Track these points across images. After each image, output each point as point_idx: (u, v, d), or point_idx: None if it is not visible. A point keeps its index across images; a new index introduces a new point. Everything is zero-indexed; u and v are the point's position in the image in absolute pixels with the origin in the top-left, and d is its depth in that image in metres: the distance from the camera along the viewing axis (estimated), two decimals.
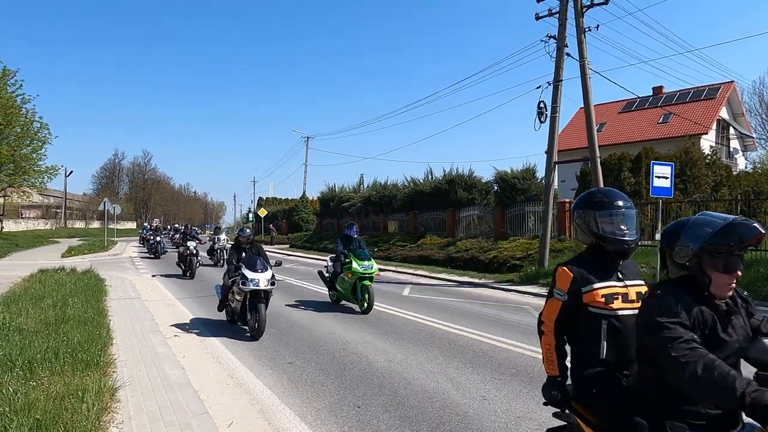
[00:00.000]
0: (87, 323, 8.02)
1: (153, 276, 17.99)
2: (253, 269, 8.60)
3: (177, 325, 9.54)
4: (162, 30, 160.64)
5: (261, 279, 8.48)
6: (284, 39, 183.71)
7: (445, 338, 8.60)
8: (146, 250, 31.60)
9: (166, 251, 29.50)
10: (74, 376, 5.37)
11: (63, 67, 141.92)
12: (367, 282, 10.83)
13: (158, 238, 28.59)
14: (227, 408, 5.31)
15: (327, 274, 12.28)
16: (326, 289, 12.59)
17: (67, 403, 4.52)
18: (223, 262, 22.10)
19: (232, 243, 9.56)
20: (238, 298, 8.80)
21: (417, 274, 19.42)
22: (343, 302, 11.94)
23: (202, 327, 9.57)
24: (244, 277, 8.49)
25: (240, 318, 9.03)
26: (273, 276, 8.77)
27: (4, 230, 44.42)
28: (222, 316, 10.76)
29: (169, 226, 46.78)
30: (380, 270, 21.93)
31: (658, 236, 12.86)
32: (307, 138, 53.00)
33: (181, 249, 18.61)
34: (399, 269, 21.12)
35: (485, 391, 5.85)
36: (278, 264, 9.98)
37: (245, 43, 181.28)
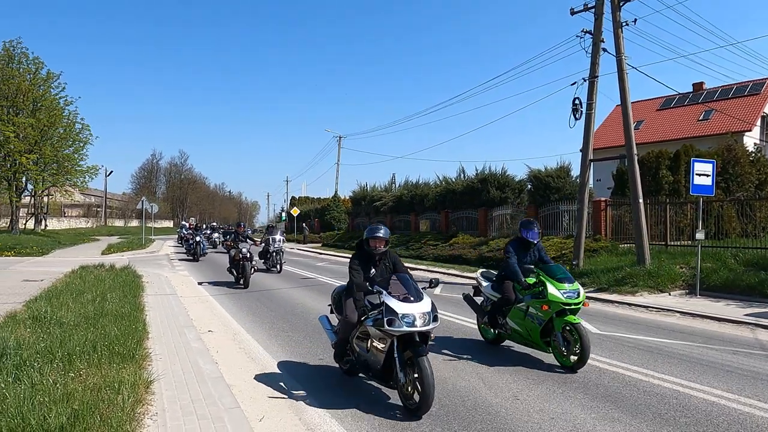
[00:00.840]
0: (124, 318, 8.20)
1: (200, 283, 15.88)
2: (401, 297, 5.28)
3: (211, 321, 9.70)
4: (199, 31, 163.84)
5: (416, 313, 5.17)
6: (320, 41, 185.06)
7: (477, 336, 8.50)
8: (185, 251, 28.78)
9: (206, 253, 27.03)
10: (111, 368, 5.49)
11: (102, 68, 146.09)
12: (573, 318, 6.64)
13: (197, 238, 25.48)
14: (259, 403, 5.34)
15: (482, 299, 8.24)
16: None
17: (103, 395, 4.62)
18: (280, 267, 19.24)
19: (354, 250, 6.27)
20: (379, 346, 5.32)
21: (449, 273, 19.27)
22: (509, 343, 7.91)
23: (235, 322, 9.70)
24: (389, 311, 5.12)
25: (380, 376, 5.48)
26: (434, 307, 5.41)
27: (47, 228, 45.96)
28: (253, 311, 10.88)
29: (204, 225, 44.23)
30: (411, 269, 21.78)
31: (699, 236, 12.49)
32: (340, 137, 53.31)
33: (233, 252, 15.42)
34: (430, 268, 21.01)
35: (517, 391, 5.75)
36: (434, 284, 6.37)
37: (279, 45, 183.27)
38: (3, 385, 4.66)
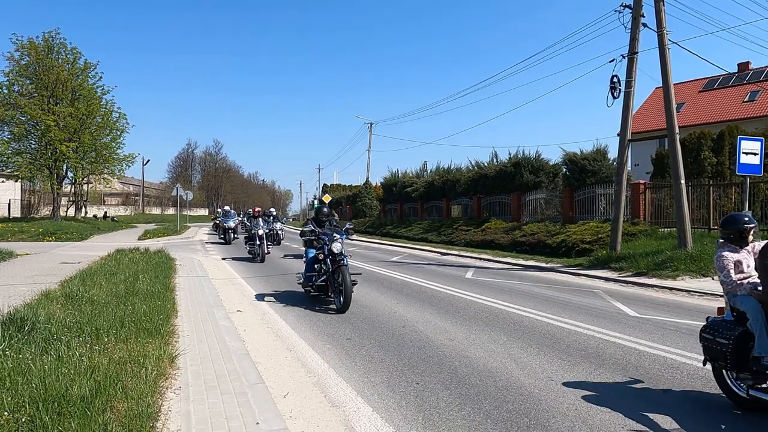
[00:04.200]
0: (154, 296, 8.24)
1: None
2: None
3: (241, 302, 9.69)
4: (231, 20, 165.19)
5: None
6: (348, 26, 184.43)
7: (509, 319, 8.26)
8: (249, 254, 18.37)
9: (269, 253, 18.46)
10: (137, 343, 5.46)
11: (137, 59, 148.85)
12: None
13: (261, 231, 17.21)
14: (284, 380, 5.25)
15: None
16: None
17: (127, 368, 4.57)
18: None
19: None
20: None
21: (481, 258, 18.98)
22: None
23: (264, 304, 9.66)
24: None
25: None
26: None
27: (87, 215, 47.21)
28: (283, 294, 10.83)
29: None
30: (442, 254, 21.75)
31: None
32: (371, 124, 52.99)
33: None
34: (462, 253, 20.75)
35: (552, 372, 5.50)
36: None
37: (310, 31, 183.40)
38: (30, 357, 4.66)
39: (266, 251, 17.39)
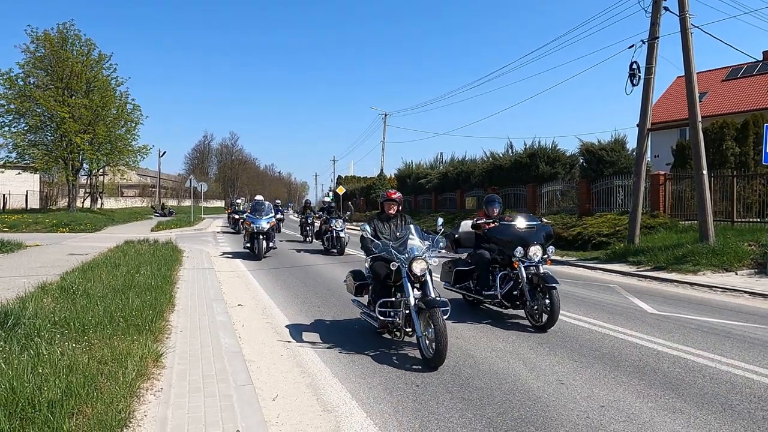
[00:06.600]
0: (151, 290, 7.98)
1: None
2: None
3: (243, 295, 9.43)
4: (246, 15, 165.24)
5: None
6: (364, 18, 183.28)
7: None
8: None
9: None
10: (123, 340, 5.19)
11: (159, 54, 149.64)
12: None
13: (339, 227, 13.18)
14: (275, 380, 4.95)
15: None
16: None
17: (104, 368, 4.29)
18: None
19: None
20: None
21: None
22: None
23: (267, 297, 9.39)
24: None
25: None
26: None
27: (104, 207, 47.49)
28: (289, 287, 10.57)
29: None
30: None
31: None
32: (385, 115, 52.51)
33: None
34: None
35: (563, 375, 5.13)
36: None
37: (326, 26, 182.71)
38: (4, 355, 4.40)
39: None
